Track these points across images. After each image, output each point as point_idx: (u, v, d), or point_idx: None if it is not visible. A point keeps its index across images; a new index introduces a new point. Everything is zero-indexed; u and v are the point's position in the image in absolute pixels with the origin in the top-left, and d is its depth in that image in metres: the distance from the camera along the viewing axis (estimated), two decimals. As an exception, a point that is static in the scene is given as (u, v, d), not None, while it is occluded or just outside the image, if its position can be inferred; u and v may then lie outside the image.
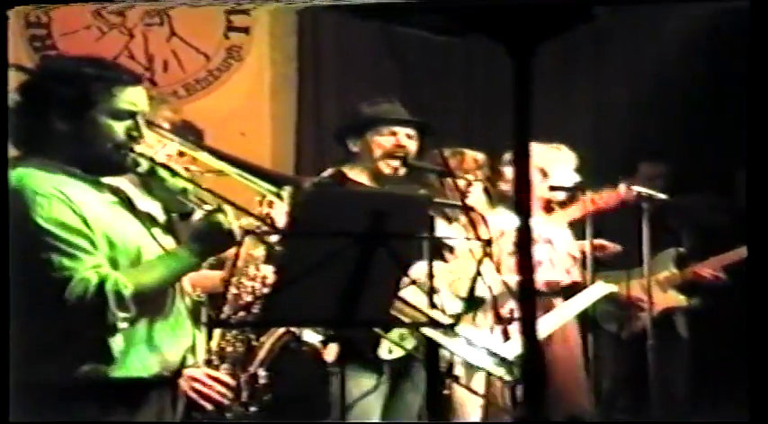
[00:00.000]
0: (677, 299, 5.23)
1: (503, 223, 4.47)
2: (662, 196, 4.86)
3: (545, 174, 4.95)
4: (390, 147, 4.06)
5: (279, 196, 2.79)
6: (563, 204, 4.96)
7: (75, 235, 2.65)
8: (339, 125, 4.35)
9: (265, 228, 2.92)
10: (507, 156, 4.90)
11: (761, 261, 2.70)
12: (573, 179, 4.96)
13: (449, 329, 3.35)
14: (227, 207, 2.78)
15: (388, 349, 3.98)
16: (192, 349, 2.90)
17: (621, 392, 5.22)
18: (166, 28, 6.00)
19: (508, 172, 4.76)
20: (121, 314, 2.64)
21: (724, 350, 5.08)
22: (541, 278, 4.77)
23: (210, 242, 2.77)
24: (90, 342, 2.68)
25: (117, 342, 2.69)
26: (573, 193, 4.93)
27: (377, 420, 4.00)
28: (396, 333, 3.94)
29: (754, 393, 2.64)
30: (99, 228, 2.70)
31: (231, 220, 2.77)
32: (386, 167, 4.05)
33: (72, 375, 2.67)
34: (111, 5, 5.65)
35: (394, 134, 4.09)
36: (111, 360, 2.69)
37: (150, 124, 2.91)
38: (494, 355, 3.52)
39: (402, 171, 4.07)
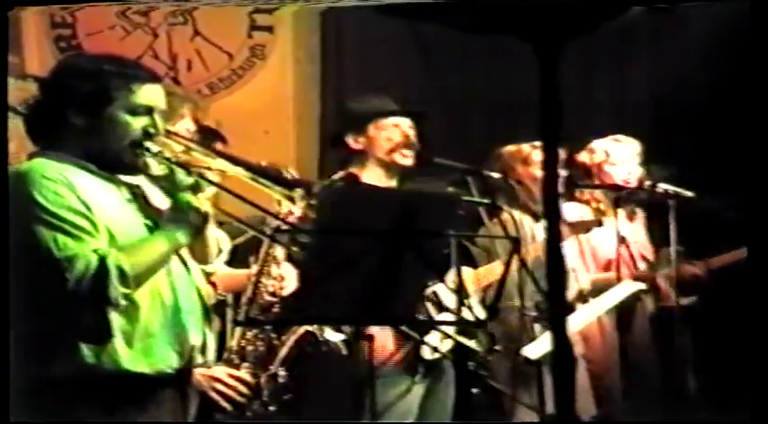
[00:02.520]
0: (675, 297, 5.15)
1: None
2: (689, 194, 4.81)
3: (599, 170, 4.91)
4: (400, 139, 4.04)
5: (291, 199, 2.79)
6: (621, 200, 4.88)
7: (79, 217, 2.67)
8: (334, 125, 4.30)
9: (290, 222, 2.91)
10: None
11: (760, 264, 2.67)
12: (628, 171, 4.90)
13: (477, 328, 3.34)
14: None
15: (430, 350, 3.96)
16: (203, 349, 2.89)
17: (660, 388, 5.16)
18: (190, 27, 6.01)
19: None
20: (123, 290, 2.64)
21: (715, 349, 5.06)
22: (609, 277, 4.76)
23: (184, 221, 2.77)
24: (91, 322, 2.68)
25: (117, 321, 2.69)
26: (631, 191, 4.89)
27: (412, 419, 3.98)
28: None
29: (754, 393, 2.61)
30: (102, 218, 2.71)
31: (200, 199, 2.78)
32: (401, 158, 4.03)
33: (75, 369, 2.67)
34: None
35: (397, 125, 4.07)
36: (109, 338, 2.68)
37: (168, 132, 2.92)
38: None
39: (409, 162, 4.05)
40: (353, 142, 4.06)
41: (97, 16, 5.87)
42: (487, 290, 4.15)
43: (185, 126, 3.55)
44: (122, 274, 2.64)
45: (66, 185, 2.69)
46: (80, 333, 2.68)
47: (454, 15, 1.60)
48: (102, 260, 2.64)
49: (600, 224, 4.55)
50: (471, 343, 3.48)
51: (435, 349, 3.87)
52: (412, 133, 4.07)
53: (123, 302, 2.67)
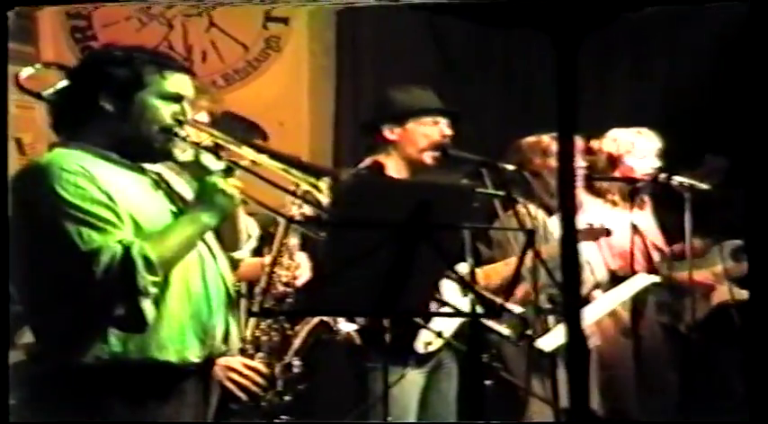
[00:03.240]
0: (738, 292, 5.14)
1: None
2: (704, 186, 4.80)
3: (620, 161, 4.91)
4: (437, 138, 4.03)
5: (317, 187, 2.79)
6: (636, 192, 4.87)
7: (102, 208, 2.67)
8: (375, 112, 4.28)
9: (308, 213, 2.92)
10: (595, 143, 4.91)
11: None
12: (650, 165, 4.89)
13: (489, 318, 3.34)
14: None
15: (425, 344, 3.96)
16: (225, 337, 2.90)
17: (676, 385, 5.14)
18: (205, 19, 6.02)
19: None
20: (151, 278, 2.65)
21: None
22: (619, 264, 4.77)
23: (210, 203, 2.78)
24: (123, 312, 2.68)
25: (149, 308, 2.69)
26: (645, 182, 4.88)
27: (413, 412, 3.98)
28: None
29: (753, 393, 2.61)
30: (125, 208, 2.72)
31: (227, 181, 2.79)
32: (429, 159, 4.03)
33: (101, 358, 2.67)
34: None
35: (437, 123, 4.06)
36: (145, 327, 2.69)
37: (195, 121, 2.93)
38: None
39: (434, 162, 4.05)
40: (389, 132, 4.05)
41: (113, 7, 5.88)
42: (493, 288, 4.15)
43: (201, 118, 3.57)
44: (149, 262, 2.64)
45: (87, 177, 2.69)
46: (114, 323, 2.68)
47: (472, 9, 1.60)
48: (128, 251, 2.64)
49: (608, 233, 4.54)
50: (503, 328, 3.49)
51: (439, 335, 3.87)
52: (449, 132, 4.07)
53: (153, 289, 2.67)
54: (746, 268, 5.06)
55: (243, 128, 4.53)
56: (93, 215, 2.66)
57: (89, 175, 2.69)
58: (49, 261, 2.70)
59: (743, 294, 5.07)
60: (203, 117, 3.62)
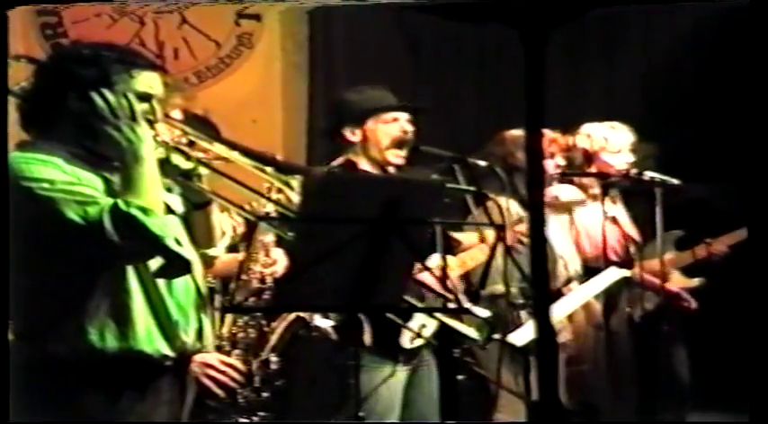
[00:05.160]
0: (684, 281, 5.20)
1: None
2: (675, 181, 4.84)
3: (594, 156, 4.93)
4: (398, 135, 4.02)
5: (288, 184, 2.78)
6: (608, 187, 4.90)
7: (80, 186, 2.65)
8: (331, 115, 4.25)
9: (279, 210, 2.92)
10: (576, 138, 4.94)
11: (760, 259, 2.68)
12: (624, 160, 4.92)
13: (462, 314, 3.35)
14: None
15: (410, 338, 3.96)
16: (199, 335, 2.89)
17: (634, 375, 5.19)
18: (177, 15, 6.00)
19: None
20: (156, 221, 2.61)
21: (727, 332, 5.06)
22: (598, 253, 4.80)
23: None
24: (159, 260, 2.67)
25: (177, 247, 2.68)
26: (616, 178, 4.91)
27: (398, 410, 3.97)
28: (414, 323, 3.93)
29: (753, 393, 2.62)
30: (99, 189, 2.69)
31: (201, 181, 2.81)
32: (394, 157, 4.02)
33: (77, 349, 2.67)
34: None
35: (396, 120, 4.05)
36: (189, 266, 2.69)
37: (167, 116, 2.91)
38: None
39: (401, 162, 4.04)
40: (350, 134, 4.03)
41: (83, 4, 5.86)
42: (471, 277, 4.16)
43: (175, 116, 3.56)
44: (143, 209, 2.61)
45: (53, 165, 2.67)
46: (159, 275, 2.69)
47: (440, 6, 1.61)
48: (117, 208, 2.60)
49: (583, 202, 4.56)
50: (471, 331, 3.50)
51: (418, 335, 3.87)
52: (410, 129, 4.06)
53: (167, 230, 2.64)
54: (690, 256, 5.12)
55: (196, 125, 4.51)
56: (75, 193, 2.63)
57: (55, 164, 2.67)
58: (32, 252, 2.68)
59: (691, 282, 5.14)
60: (177, 114, 3.61)
